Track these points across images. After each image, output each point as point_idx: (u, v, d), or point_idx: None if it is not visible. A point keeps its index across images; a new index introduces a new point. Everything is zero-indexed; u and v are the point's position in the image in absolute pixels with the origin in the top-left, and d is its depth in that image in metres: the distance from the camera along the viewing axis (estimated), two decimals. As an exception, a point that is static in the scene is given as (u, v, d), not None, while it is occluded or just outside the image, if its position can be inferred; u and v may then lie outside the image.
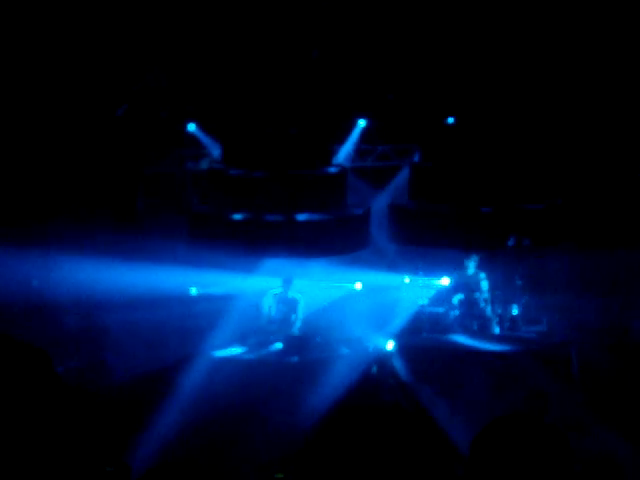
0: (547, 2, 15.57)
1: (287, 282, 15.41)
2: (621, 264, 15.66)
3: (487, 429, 3.04)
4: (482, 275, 15.48)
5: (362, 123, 16.61)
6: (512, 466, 2.86)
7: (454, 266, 15.73)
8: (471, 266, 15.46)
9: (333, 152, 16.25)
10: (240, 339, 14.99)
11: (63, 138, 15.38)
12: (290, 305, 15.36)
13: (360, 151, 16.88)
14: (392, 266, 16.28)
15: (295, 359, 14.38)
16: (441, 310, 15.44)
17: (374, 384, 14.05)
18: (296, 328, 15.24)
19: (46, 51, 14.88)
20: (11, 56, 14.82)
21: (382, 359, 14.48)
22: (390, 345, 14.59)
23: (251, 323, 15.27)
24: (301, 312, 15.37)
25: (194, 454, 12.30)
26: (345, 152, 16.63)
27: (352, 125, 16.61)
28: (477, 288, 15.40)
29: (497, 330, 15.14)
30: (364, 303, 15.78)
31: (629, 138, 16.04)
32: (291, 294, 15.39)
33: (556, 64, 15.48)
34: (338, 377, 13.65)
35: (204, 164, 16.45)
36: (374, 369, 14.38)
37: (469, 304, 15.31)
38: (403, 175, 16.47)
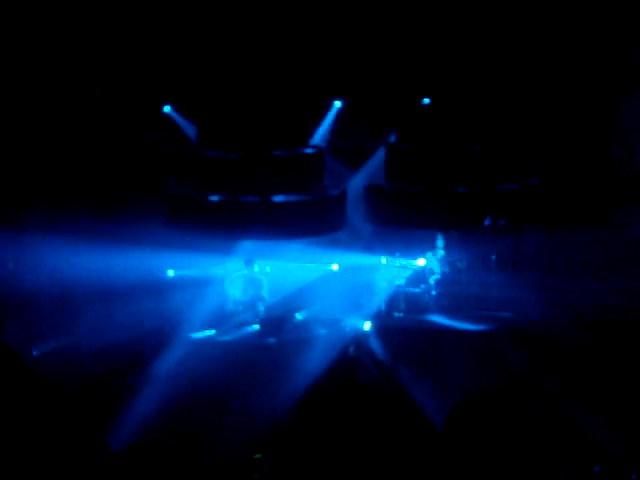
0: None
1: (249, 263, 15.42)
2: (594, 243, 15.75)
3: (460, 405, 3.06)
4: (458, 255, 15.55)
5: (338, 104, 16.59)
6: (486, 441, 2.88)
7: (430, 246, 15.79)
8: (445, 245, 15.54)
9: (309, 133, 16.24)
10: (216, 321, 15.01)
11: (39, 120, 15.29)
12: (255, 286, 15.39)
13: (336, 132, 16.86)
14: (369, 247, 16.31)
15: (272, 340, 14.41)
16: (418, 290, 15.51)
17: (351, 365, 14.11)
18: (262, 309, 15.25)
19: (21, 34, 14.77)
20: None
21: (359, 340, 14.53)
22: (367, 326, 14.64)
23: (224, 305, 15.30)
24: (266, 292, 15.39)
25: (173, 436, 12.31)
26: (321, 133, 16.61)
27: (328, 106, 16.58)
28: (453, 268, 15.47)
29: (473, 310, 15.22)
30: (341, 284, 15.82)
31: (601, 116, 16.11)
32: (255, 274, 15.41)
33: (529, 43, 15.50)
34: (315, 358, 13.69)
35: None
36: (351, 350, 14.43)
37: (445, 284, 15.38)
38: (379, 156, 16.47)
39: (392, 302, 15.52)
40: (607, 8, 15.30)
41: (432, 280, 15.46)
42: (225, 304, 15.29)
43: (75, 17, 15.00)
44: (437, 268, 15.50)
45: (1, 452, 3.18)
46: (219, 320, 15.05)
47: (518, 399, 2.93)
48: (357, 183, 16.49)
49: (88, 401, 11.69)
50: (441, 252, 15.62)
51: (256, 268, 15.48)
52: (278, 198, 15.27)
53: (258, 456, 11.03)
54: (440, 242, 15.65)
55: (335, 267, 16.08)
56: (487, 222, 15.02)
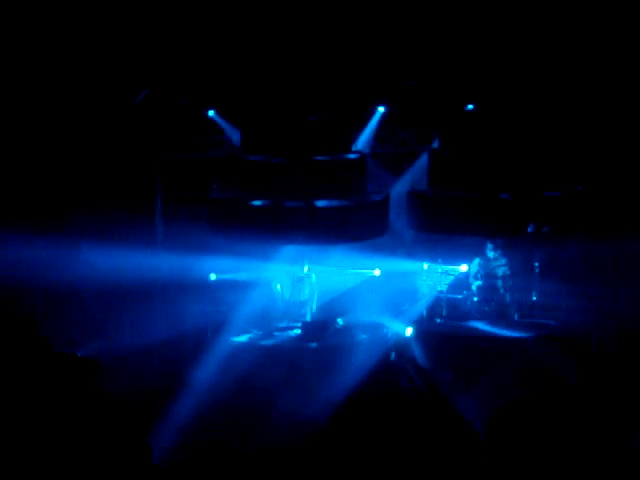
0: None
1: (298, 263, 15.48)
2: (638, 251, 15.62)
3: (502, 410, 3.05)
4: (501, 262, 15.49)
5: (382, 109, 16.60)
6: (530, 445, 2.87)
7: (473, 253, 15.73)
8: (491, 253, 15.49)
9: (353, 138, 16.25)
10: (259, 324, 15.05)
11: (84, 126, 15.44)
12: (305, 285, 15.44)
13: (380, 137, 16.87)
14: (411, 252, 16.28)
15: (314, 345, 14.43)
16: (460, 297, 15.46)
17: (392, 370, 14.09)
18: (313, 307, 15.28)
19: (67, 38, 14.93)
20: (33, 43, 14.87)
21: (401, 345, 14.51)
22: (409, 331, 14.62)
23: (268, 308, 15.33)
24: (316, 291, 15.43)
25: (212, 440, 12.36)
26: (365, 138, 16.63)
27: (372, 111, 16.60)
28: (496, 275, 15.41)
29: (516, 316, 15.16)
30: (383, 289, 15.80)
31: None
32: (304, 274, 15.46)
33: (577, 50, 15.42)
34: (357, 363, 13.69)
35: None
36: (393, 355, 14.42)
37: (488, 290, 15.32)
38: (422, 162, 16.45)
39: (434, 308, 15.49)
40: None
41: (474, 287, 15.41)
42: (272, 305, 15.33)
43: (122, 23, 15.13)
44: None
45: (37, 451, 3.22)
46: (261, 323, 15.09)
47: (562, 404, 2.92)
48: (400, 189, 16.47)
49: (130, 403, 11.77)
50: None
51: (305, 268, 15.54)
52: (321, 203, 15.28)
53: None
54: (490, 249, 15.57)
55: (377, 272, 16.07)
56: (530, 229, 14.94)
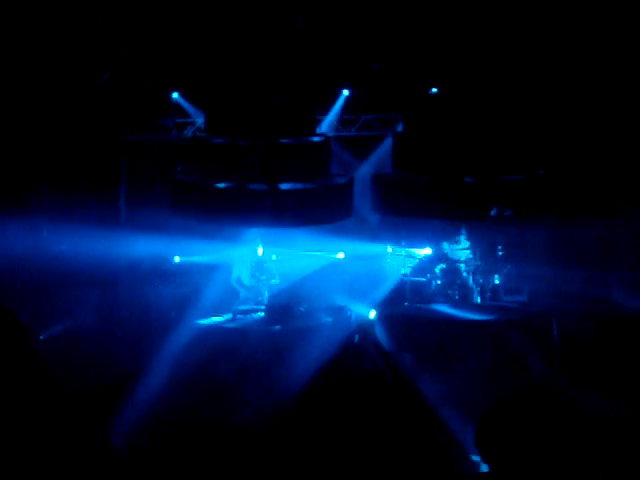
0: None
1: (255, 247, 15.47)
2: (601, 235, 15.76)
3: (497, 407, 2.98)
4: (465, 245, 15.57)
5: (346, 92, 16.59)
6: (530, 443, 2.82)
7: (436, 236, 15.80)
8: (454, 236, 15.57)
9: (317, 121, 16.24)
10: (222, 308, 15.04)
11: (45, 107, 15.31)
12: (263, 270, 15.42)
13: (344, 120, 16.88)
14: (375, 236, 16.33)
15: (278, 327, 14.44)
16: (423, 280, 15.53)
17: (356, 353, 14.15)
18: (276, 292, 15.27)
19: (28, 18, 14.79)
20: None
21: (365, 328, 14.57)
22: (372, 314, 14.67)
23: (232, 290, 15.33)
24: (277, 275, 15.42)
25: (177, 422, 12.36)
26: (329, 121, 16.62)
27: (336, 94, 16.59)
28: (459, 258, 15.48)
29: (479, 300, 15.25)
30: (347, 272, 15.85)
31: (609, 107, 16.09)
32: (262, 259, 15.45)
33: (538, 30, 15.49)
34: (321, 346, 13.73)
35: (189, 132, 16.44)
36: (356, 338, 14.48)
37: (451, 273, 15.39)
38: (386, 145, 16.47)
39: (397, 291, 15.55)
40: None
41: (438, 270, 15.47)
42: (233, 290, 15.32)
43: (83, 4, 15.01)
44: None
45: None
46: (225, 307, 15.09)
47: (562, 397, 2.87)
48: (364, 172, 16.49)
49: (92, 387, 11.75)
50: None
51: (260, 252, 15.52)
52: (285, 186, 15.27)
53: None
54: (453, 232, 15.63)
55: (341, 255, 16.10)
56: (493, 212, 15.02)
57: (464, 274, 15.39)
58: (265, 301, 15.15)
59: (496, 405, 2.95)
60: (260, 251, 15.51)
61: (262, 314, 14.86)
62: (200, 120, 16.19)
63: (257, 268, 15.43)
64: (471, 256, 15.48)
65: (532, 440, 2.83)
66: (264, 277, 15.38)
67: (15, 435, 3.18)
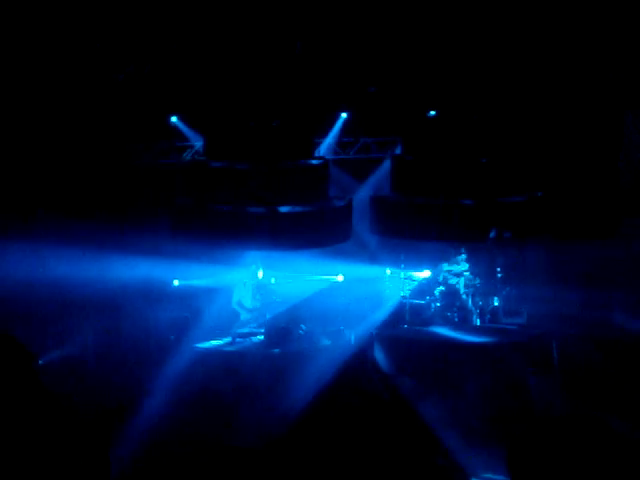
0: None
1: (254, 270, 15.49)
2: (600, 256, 15.76)
3: (527, 435, 2.93)
4: (464, 267, 15.58)
5: (344, 115, 16.65)
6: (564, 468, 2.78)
7: (436, 258, 15.81)
8: (453, 258, 15.59)
9: (315, 144, 16.28)
10: (222, 331, 15.04)
11: (46, 129, 15.35)
12: (263, 292, 15.45)
13: (342, 143, 16.92)
14: (374, 258, 16.34)
15: (277, 351, 14.43)
16: (422, 302, 15.53)
17: (355, 376, 14.11)
18: (278, 313, 15.27)
19: (29, 38, 14.84)
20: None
21: (364, 351, 14.55)
22: (372, 337, 14.66)
23: (231, 314, 15.34)
24: (278, 297, 15.44)
25: (178, 445, 12.33)
26: (327, 144, 16.67)
27: (334, 118, 16.64)
28: (458, 280, 15.49)
29: (478, 322, 15.24)
30: (346, 295, 15.84)
31: (606, 129, 16.15)
32: (262, 281, 15.48)
33: (535, 57, 15.55)
34: (320, 369, 13.71)
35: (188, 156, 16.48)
36: (356, 361, 14.45)
37: (450, 296, 15.39)
38: (385, 167, 16.51)
39: (397, 314, 15.54)
40: (613, 20, 15.35)
41: (437, 292, 15.47)
42: (234, 313, 15.33)
43: (84, 26, 15.06)
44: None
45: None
46: (224, 330, 15.08)
47: (594, 423, 2.85)
48: (363, 194, 16.52)
49: (93, 410, 11.72)
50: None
51: (260, 275, 15.55)
52: (284, 209, 15.29)
53: None
54: (452, 254, 15.66)
55: (340, 278, 16.11)
56: (492, 235, 15.03)
57: (463, 296, 15.39)
58: (267, 323, 15.15)
59: (529, 429, 2.91)
60: (260, 274, 15.54)
61: (261, 337, 14.84)
62: (199, 144, 16.24)
63: (258, 290, 15.45)
64: (470, 278, 15.48)
65: (566, 465, 2.80)
66: (265, 299, 15.41)
67: (18, 454, 3.19)
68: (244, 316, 15.30)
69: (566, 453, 2.80)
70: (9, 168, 15.30)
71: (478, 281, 15.49)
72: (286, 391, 13.26)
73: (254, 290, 15.41)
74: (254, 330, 15.05)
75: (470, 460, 11.10)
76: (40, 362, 14.01)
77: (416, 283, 15.89)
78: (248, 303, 15.36)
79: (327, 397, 13.11)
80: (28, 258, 14.84)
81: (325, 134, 16.64)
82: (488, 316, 15.25)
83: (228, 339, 14.86)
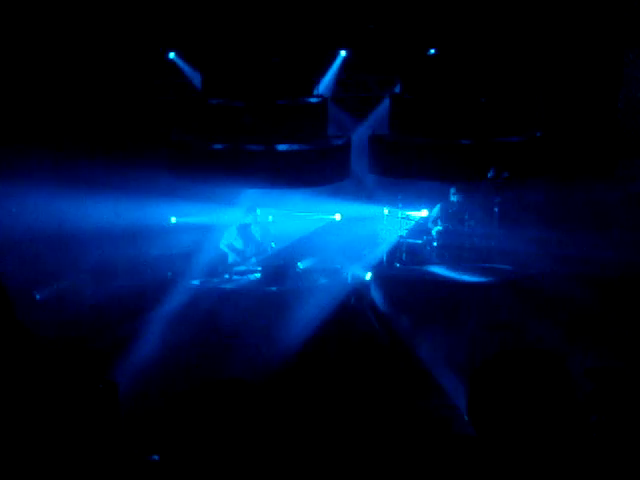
0: None
1: (251, 210, 15.48)
2: (597, 197, 15.77)
3: (488, 363, 3.01)
4: (461, 207, 15.57)
5: (343, 53, 16.53)
6: (517, 399, 2.84)
7: (434, 198, 15.80)
8: (452, 198, 15.58)
9: (314, 82, 16.18)
10: (218, 269, 15.06)
11: (42, 65, 15.25)
12: (259, 232, 15.46)
13: (341, 82, 16.82)
14: (371, 197, 16.33)
15: (273, 289, 14.48)
16: (419, 242, 15.55)
17: (352, 314, 14.19)
18: (260, 257, 15.29)
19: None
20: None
21: (360, 290, 14.61)
22: (368, 276, 14.70)
23: (222, 255, 15.36)
24: (273, 236, 15.46)
25: (173, 380, 12.41)
26: (326, 82, 16.56)
27: (334, 55, 16.52)
28: (456, 220, 15.50)
29: (475, 261, 15.28)
30: (343, 234, 15.87)
31: (606, 69, 16.06)
32: (258, 221, 15.49)
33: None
34: (316, 307, 13.77)
35: None
36: (352, 300, 14.52)
37: (447, 236, 15.41)
38: (384, 106, 16.43)
39: (393, 253, 15.58)
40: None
41: (434, 232, 15.49)
42: (226, 253, 15.35)
43: None
44: (442, 219, 15.50)
45: None
46: (221, 268, 15.11)
47: (548, 356, 2.89)
48: (362, 133, 16.47)
49: (89, 345, 11.80)
50: (451, 204, 15.60)
51: (258, 213, 15.56)
52: (282, 147, 15.25)
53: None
54: (451, 194, 15.65)
55: (338, 217, 16.11)
56: (490, 174, 15.01)
57: (460, 236, 15.40)
58: (257, 265, 15.17)
59: (482, 367, 2.98)
60: (255, 214, 15.54)
61: (258, 275, 14.88)
62: (197, 81, 16.13)
63: (253, 229, 15.46)
64: (467, 218, 15.49)
65: (517, 399, 2.86)
66: (259, 239, 15.42)
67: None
68: (231, 257, 15.31)
69: (519, 387, 2.86)
70: (4, 102, 15.22)
71: (475, 221, 15.49)
72: (282, 329, 13.33)
73: (247, 232, 15.40)
74: (251, 268, 15.08)
75: (463, 398, 11.19)
76: (37, 297, 14.07)
77: (413, 223, 15.90)
78: (239, 244, 15.35)
79: (323, 336, 13.18)
80: (24, 194, 14.81)
81: (324, 72, 16.52)
82: (484, 256, 15.28)
83: (225, 277, 14.89)
